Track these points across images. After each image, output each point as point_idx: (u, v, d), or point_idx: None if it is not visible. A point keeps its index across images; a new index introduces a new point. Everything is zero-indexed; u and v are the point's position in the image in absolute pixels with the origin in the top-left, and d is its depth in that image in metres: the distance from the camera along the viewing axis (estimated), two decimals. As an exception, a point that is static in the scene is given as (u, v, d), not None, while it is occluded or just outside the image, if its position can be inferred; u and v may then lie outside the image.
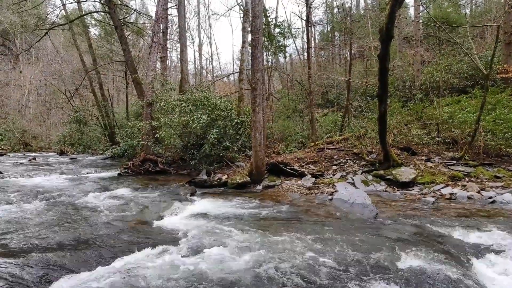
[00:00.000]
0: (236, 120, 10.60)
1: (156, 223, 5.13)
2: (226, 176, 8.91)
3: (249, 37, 9.71)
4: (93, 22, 22.85)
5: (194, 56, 31.51)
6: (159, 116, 10.51)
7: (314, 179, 8.17)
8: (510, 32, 11.52)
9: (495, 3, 16.71)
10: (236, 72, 17.16)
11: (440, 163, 7.88)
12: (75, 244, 3.95)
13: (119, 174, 10.45)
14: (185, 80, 13.89)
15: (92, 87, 21.26)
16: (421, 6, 12.39)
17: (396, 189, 7.06)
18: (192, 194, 7.51)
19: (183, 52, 14.26)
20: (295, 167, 8.82)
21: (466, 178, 7.04)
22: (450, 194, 6.31)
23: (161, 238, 4.36)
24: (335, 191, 6.93)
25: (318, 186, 7.67)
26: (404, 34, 15.71)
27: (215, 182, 8.49)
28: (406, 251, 3.61)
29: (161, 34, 12.63)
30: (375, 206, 5.75)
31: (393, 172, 7.42)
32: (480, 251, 3.64)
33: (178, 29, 16.34)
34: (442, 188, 6.62)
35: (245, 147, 10.99)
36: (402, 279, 2.99)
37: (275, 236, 4.27)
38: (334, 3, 18.92)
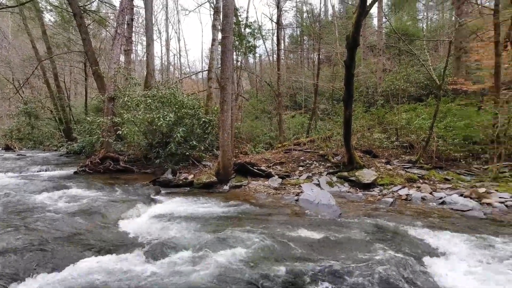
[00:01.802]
0: (203, 119, 10.38)
1: (116, 226, 4.84)
2: (192, 175, 8.68)
3: (219, 35, 9.60)
4: (48, 7, 21.05)
5: (161, 51, 30.52)
6: (121, 112, 9.96)
7: (281, 179, 8.26)
8: (459, 47, 12.62)
9: (447, 21, 18.26)
10: (205, 70, 16.88)
11: (398, 165, 8.37)
12: (23, 249, 3.57)
13: (75, 172, 9.74)
14: (151, 75, 13.33)
15: (46, 78, 19.56)
16: (384, 17, 13.13)
17: (358, 190, 7.37)
18: (157, 194, 7.22)
19: (149, 46, 13.67)
20: (262, 168, 8.85)
21: (421, 180, 7.54)
22: (407, 195, 6.71)
23: (121, 241, 4.11)
24: (301, 192, 7.06)
25: (284, 187, 7.76)
26: (368, 43, 16.56)
27: (181, 182, 8.25)
28: (365, 248, 3.81)
29: (125, 26, 11.99)
30: (339, 206, 5.98)
31: (356, 174, 7.73)
32: (432, 248, 3.92)
33: (144, 22, 15.66)
34: (400, 189, 7.03)
35: (213, 146, 10.81)
36: (361, 274, 3.12)
37: (242, 236, 4.22)
38: (304, 8, 19.43)
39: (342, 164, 8.34)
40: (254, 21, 16.80)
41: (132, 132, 10.02)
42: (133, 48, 21.28)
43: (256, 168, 8.68)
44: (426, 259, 3.57)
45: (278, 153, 10.46)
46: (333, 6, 25.36)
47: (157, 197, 6.96)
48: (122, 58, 13.54)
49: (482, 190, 6.57)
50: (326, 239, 4.22)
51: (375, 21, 17.71)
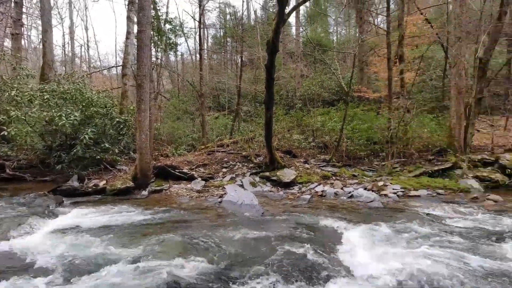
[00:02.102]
0: (117, 119, 9.38)
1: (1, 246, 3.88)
2: (104, 181, 7.71)
3: (136, 28, 8.79)
4: None
5: (64, 39, 26.39)
6: (8, 108, 8.20)
7: (204, 182, 8.01)
8: (362, 60, 14.50)
9: (353, 36, 20.89)
10: (119, 66, 15.35)
11: (315, 164, 9.03)
12: None
13: None
14: (50, 67, 11.39)
15: None
16: (301, 27, 14.16)
17: (280, 189, 7.66)
18: (58, 205, 6.13)
19: (46, 32, 11.67)
20: (185, 170, 8.44)
21: (333, 177, 8.28)
22: (322, 191, 7.27)
23: (6, 266, 3.29)
24: (225, 194, 6.95)
25: (208, 189, 7.55)
26: (288, 49, 17.66)
27: (90, 189, 7.22)
28: (284, 242, 3.99)
29: (12, 5, 9.97)
30: (262, 206, 6.09)
31: (278, 173, 8.02)
32: (342, 237, 4.31)
33: (39, 3, 13.32)
34: (316, 186, 7.57)
35: (129, 149, 9.85)
36: (280, 266, 3.30)
37: (162, 243, 3.93)
38: (227, 9, 19.56)
39: (264, 165, 8.55)
40: (175, 17, 16.09)
41: (24, 133, 8.38)
42: (25, 33, 17.93)
43: (178, 171, 8.22)
44: (338, 247, 3.95)
45: (201, 155, 10.15)
46: (255, 11, 26.27)
47: (59, 208, 5.91)
48: (8, 43, 11.24)
49: (380, 183, 7.57)
50: (249, 237, 4.27)
51: (294, 30, 19.07)
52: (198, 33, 12.19)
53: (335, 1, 19.98)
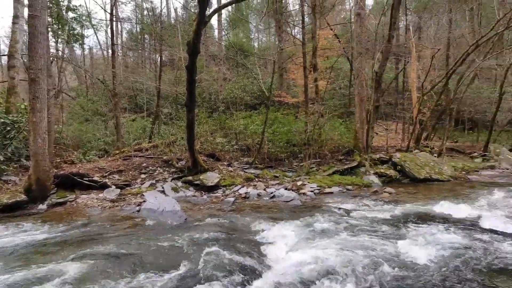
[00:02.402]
0: (3, 120, 7.74)
1: None
2: (-18, 197, 6.21)
3: (26, 12, 7.38)
4: None
5: None
6: None
7: (119, 190, 7.22)
8: (281, 67, 15.38)
9: (273, 44, 22.06)
10: (4, 55, 12.78)
11: (238, 167, 9.10)
12: None
13: None
14: None
15: None
16: (223, 31, 14.22)
17: (203, 193, 7.45)
18: None
19: None
20: (95, 178, 7.46)
21: (256, 179, 8.48)
22: (245, 193, 7.36)
23: None
24: (144, 201, 6.41)
25: (124, 198, 6.83)
26: (210, 52, 17.50)
27: (-40, 208, 5.73)
28: (209, 245, 3.90)
29: None
30: (185, 211, 5.82)
31: (201, 177, 7.80)
32: (266, 236, 4.44)
33: None
34: (240, 188, 7.62)
35: (20, 155, 8.23)
36: (204, 268, 3.28)
37: (64, 263, 3.35)
38: (144, 4, 18.25)
39: (187, 169, 8.22)
40: (80, 5, 14.26)
41: None
42: None
43: (86, 179, 7.21)
44: (262, 246, 4.04)
45: (116, 161, 9.16)
46: (175, 10, 25.26)
47: None
48: None
49: (299, 183, 8.09)
50: (171, 245, 4.05)
51: (216, 33, 19.01)
52: (110, 26, 10.98)
53: (256, 9, 20.83)
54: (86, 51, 22.50)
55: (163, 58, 15.99)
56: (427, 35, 18.42)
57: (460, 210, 5.55)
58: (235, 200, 6.91)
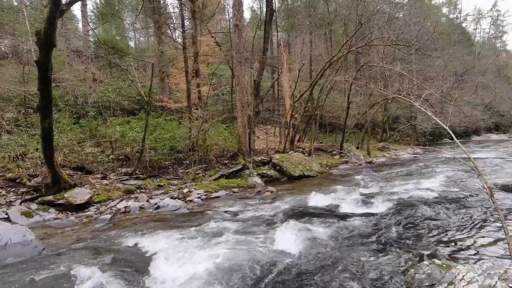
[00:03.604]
0: None
1: None
2: None
3: None
4: None
5: None
6: None
7: None
8: (162, 71, 14.64)
9: (152, 45, 20.77)
10: None
11: (116, 179, 8.05)
12: None
13: None
14: None
15: None
16: (89, 24, 12.37)
17: (70, 213, 6.22)
18: None
19: None
20: None
21: (138, 191, 7.70)
22: (125, 207, 6.57)
23: None
24: (-25, 236, 4.79)
25: None
26: (73, 47, 14.84)
27: None
28: (78, 276, 3.26)
29: None
30: (42, 240, 4.66)
31: (66, 195, 6.49)
32: (149, 251, 4.05)
33: None
34: (118, 203, 6.75)
35: None
36: None
37: None
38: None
39: (44, 187, 6.67)
40: None
41: None
42: None
43: None
44: (146, 264, 3.66)
45: None
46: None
47: None
48: None
49: (186, 190, 7.82)
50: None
51: (81, 26, 16.29)
52: None
53: (130, 5, 19.10)
54: None
55: (2, 48, 12.58)
56: (295, 51, 21.28)
57: (325, 200, 6.56)
58: (112, 217, 6.06)
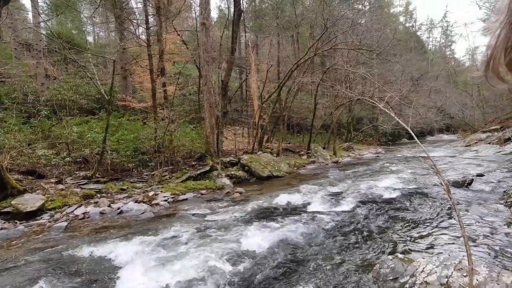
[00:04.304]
0: None
1: None
2: None
3: None
4: None
5: None
6: None
7: None
8: (125, 68, 13.92)
9: (113, 41, 19.67)
10: None
11: (73, 183, 7.44)
12: None
13: None
14: None
15: None
16: (40, 16, 11.36)
17: (19, 222, 5.61)
18: None
19: None
20: None
21: (98, 195, 7.19)
22: (84, 213, 6.09)
23: None
24: None
25: None
26: (22, 39, 13.51)
27: None
28: None
29: None
30: (-19, 255, 4.15)
31: (13, 202, 5.86)
32: (113, 260, 3.78)
33: None
34: (76, 209, 6.24)
35: None
36: None
37: None
38: None
39: (-12, 194, 5.96)
40: None
41: None
42: None
43: None
44: (107, 274, 3.40)
45: None
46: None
47: None
48: None
49: (151, 193, 7.45)
50: None
51: (31, 16, 14.87)
52: None
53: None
54: None
55: None
56: (263, 52, 21.41)
57: (293, 199, 6.60)
58: (69, 224, 5.57)
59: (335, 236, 4.29)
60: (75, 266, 3.67)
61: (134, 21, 14.20)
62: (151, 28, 12.56)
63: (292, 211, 5.80)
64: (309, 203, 6.27)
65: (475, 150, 14.36)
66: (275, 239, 4.16)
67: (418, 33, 50.70)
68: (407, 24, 49.68)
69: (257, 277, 3.20)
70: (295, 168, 12.31)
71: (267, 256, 3.69)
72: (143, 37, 13.87)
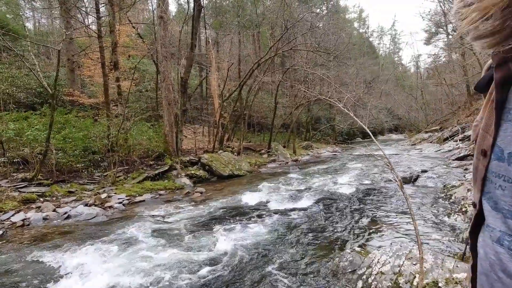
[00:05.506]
0: None
1: None
2: None
3: None
4: None
5: None
6: None
7: None
8: (72, 60, 12.76)
9: (57, 30, 17.91)
10: None
11: (9, 186, 6.59)
12: None
13: None
14: None
15: None
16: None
17: None
18: None
19: None
20: None
21: (41, 199, 6.47)
22: (23, 220, 5.43)
23: None
24: None
25: None
26: None
27: None
28: None
29: None
30: None
31: None
32: (58, 269, 3.45)
33: None
34: (13, 215, 5.54)
35: None
36: None
37: None
38: None
39: None
40: None
41: None
42: None
43: None
44: (48, 285, 3.09)
45: None
46: None
47: None
48: None
49: (104, 195, 6.91)
50: None
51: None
52: None
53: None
54: None
55: None
56: (223, 50, 21.16)
57: (254, 198, 6.57)
58: (4, 232, 4.92)
59: (296, 233, 4.33)
60: (10, 278, 3.23)
61: (83, 9, 13.06)
62: (103, 18, 11.66)
63: (253, 210, 5.76)
64: (269, 202, 6.28)
65: (420, 149, 15.67)
66: (236, 239, 4.10)
67: (370, 39, 54.24)
68: (361, 30, 52.86)
69: (217, 279, 3.09)
70: (256, 167, 12.33)
71: (228, 256, 3.59)
72: (94, 27, 12.84)
